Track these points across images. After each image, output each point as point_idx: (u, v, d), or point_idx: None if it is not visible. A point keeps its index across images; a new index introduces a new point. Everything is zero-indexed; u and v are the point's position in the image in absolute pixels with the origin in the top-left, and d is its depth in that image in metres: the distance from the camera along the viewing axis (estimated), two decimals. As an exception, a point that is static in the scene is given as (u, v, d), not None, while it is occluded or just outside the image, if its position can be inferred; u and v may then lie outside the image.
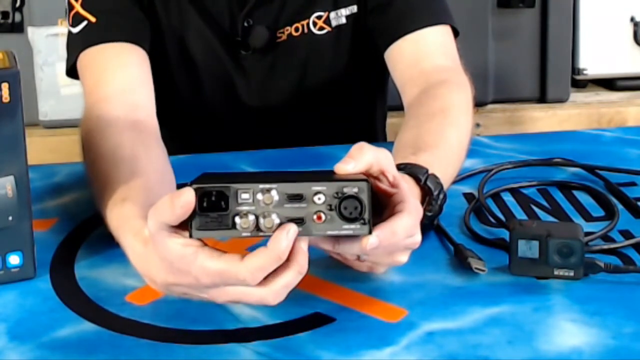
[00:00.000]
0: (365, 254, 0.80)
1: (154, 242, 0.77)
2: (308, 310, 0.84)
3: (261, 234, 0.74)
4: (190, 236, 0.74)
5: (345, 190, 0.74)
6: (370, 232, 0.75)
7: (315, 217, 0.75)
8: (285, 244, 0.73)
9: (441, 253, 0.95)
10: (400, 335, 0.80)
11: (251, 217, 0.74)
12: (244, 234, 0.74)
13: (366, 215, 0.75)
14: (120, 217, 0.87)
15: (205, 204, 0.74)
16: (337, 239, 0.77)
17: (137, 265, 0.83)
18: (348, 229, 0.75)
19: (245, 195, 0.74)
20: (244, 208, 0.74)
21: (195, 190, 0.74)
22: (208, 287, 0.77)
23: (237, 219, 0.74)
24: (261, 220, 0.74)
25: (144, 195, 0.88)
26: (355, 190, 0.75)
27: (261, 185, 0.74)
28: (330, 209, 0.75)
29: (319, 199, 0.74)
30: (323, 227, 0.75)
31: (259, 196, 0.74)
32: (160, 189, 0.91)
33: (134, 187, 0.90)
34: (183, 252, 0.75)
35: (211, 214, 0.74)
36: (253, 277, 0.74)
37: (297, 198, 0.74)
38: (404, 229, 0.78)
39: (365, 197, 0.75)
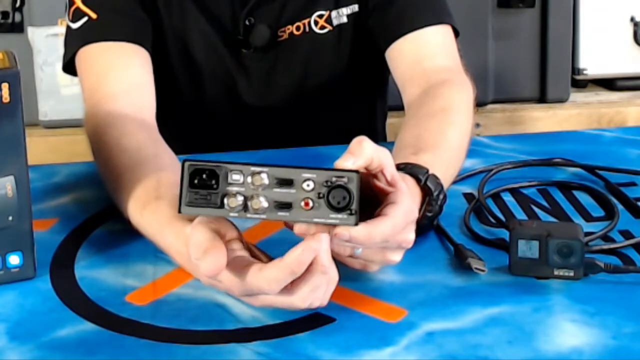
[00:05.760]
0: (350, 244, 0.80)
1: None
2: (308, 310, 0.83)
3: (248, 215, 0.76)
4: (179, 211, 0.76)
5: (334, 179, 0.75)
6: (356, 224, 0.76)
7: (302, 203, 0.75)
8: (300, 258, 0.74)
9: (441, 253, 0.95)
10: (400, 335, 0.80)
11: (240, 198, 0.76)
12: (232, 214, 0.76)
13: (354, 206, 0.75)
14: (157, 216, 0.88)
15: (196, 181, 0.75)
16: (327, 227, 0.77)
17: (184, 264, 0.86)
18: (335, 218, 0.76)
19: (236, 176, 0.76)
20: (234, 189, 0.76)
21: (188, 166, 0.76)
22: (241, 295, 0.80)
23: (226, 199, 0.76)
24: (249, 202, 0.75)
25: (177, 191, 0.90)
26: (345, 180, 0.75)
27: (252, 168, 0.76)
28: (319, 197, 0.75)
29: (308, 185, 0.75)
30: (310, 214, 0.76)
31: (249, 178, 0.75)
32: None
33: (165, 184, 0.92)
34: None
35: (201, 191, 0.76)
36: (270, 288, 0.76)
37: (286, 183, 0.75)
38: (381, 234, 0.78)
39: (354, 188, 0.75)
